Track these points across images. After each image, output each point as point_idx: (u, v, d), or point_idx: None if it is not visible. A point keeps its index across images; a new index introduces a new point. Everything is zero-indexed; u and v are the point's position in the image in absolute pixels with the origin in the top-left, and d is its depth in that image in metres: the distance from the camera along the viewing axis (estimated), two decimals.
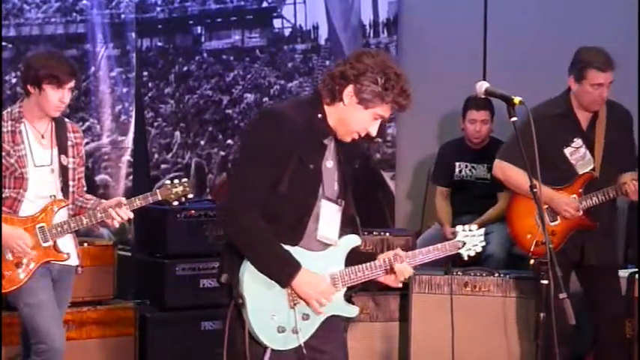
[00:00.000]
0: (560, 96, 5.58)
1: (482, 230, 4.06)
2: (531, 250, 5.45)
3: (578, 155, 5.51)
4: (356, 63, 3.71)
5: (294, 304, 3.77)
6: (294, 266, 3.72)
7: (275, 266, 3.72)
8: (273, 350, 3.74)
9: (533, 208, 5.37)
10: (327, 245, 3.84)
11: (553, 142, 5.42)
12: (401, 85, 3.70)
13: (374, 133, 3.80)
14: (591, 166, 5.51)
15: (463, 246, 4.01)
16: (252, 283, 3.71)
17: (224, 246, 3.80)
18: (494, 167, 5.69)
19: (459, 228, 4.04)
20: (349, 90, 3.71)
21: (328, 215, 3.82)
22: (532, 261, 5.45)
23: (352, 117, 3.74)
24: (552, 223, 5.48)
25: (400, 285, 3.95)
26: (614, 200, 5.62)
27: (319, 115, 3.75)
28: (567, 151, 5.51)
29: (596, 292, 5.60)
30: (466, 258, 4.05)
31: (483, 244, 4.05)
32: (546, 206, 5.45)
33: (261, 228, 3.68)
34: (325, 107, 3.76)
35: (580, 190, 5.49)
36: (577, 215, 5.44)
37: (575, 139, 5.51)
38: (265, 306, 3.72)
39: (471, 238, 4.02)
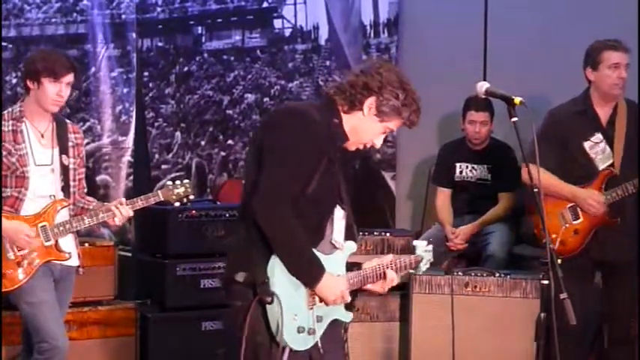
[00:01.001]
0: (580, 95, 5.63)
1: (431, 246, 4.20)
2: (555, 248, 5.49)
3: (598, 149, 5.53)
4: (377, 75, 3.75)
5: (312, 306, 3.80)
6: (321, 269, 3.75)
7: (304, 266, 3.74)
8: (291, 350, 3.75)
9: (558, 208, 5.47)
10: (333, 249, 3.87)
11: (573, 138, 5.50)
12: (417, 103, 3.79)
13: (379, 145, 3.88)
14: (610, 161, 5.52)
15: (421, 260, 4.16)
16: (282, 281, 3.72)
17: (235, 245, 3.79)
18: (522, 172, 5.68)
19: (416, 242, 4.21)
20: (371, 101, 3.76)
21: (338, 219, 3.87)
22: (559, 261, 5.50)
23: (366, 128, 3.80)
24: (575, 222, 5.52)
25: (385, 291, 4.05)
26: (639, 197, 5.61)
27: (335, 120, 3.78)
28: (587, 145, 5.53)
29: (613, 291, 5.62)
30: (421, 272, 4.28)
31: (432, 260, 4.20)
32: (571, 204, 5.50)
33: (296, 226, 3.67)
34: (342, 114, 3.79)
35: (602, 187, 5.51)
36: (601, 210, 5.46)
37: (595, 134, 5.53)
38: (291, 306, 3.74)
39: (426, 253, 4.16)
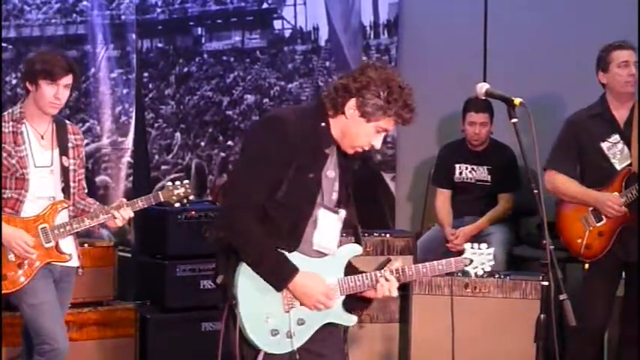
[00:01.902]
0: (596, 100, 5.65)
1: (492, 250, 4.01)
2: (581, 253, 5.52)
3: (616, 150, 5.54)
4: (359, 76, 3.71)
5: (290, 308, 3.76)
6: (290, 270, 3.72)
7: (270, 270, 3.72)
8: (266, 353, 3.73)
9: (581, 212, 5.49)
10: (321, 254, 3.83)
11: (590, 140, 5.54)
12: (404, 99, 3.70)
13: (378, 146, 3.79)
14: (629, 161, 5.52)
15: (470, 263, 3.98)
16: (247, 285, 3.71)
17: (220, 247, 3.80)
18: (544, 179, 5.68)
19: (467, 246, 4.01)
20: (351, 103, 3.71)
21: (326, 224, 3.81)
22: (586, 265, 5.52)
23: (355, 130, 3.74)
24: (598, 224, 5.52)
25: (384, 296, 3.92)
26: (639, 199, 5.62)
27: (322, 125, 3.75)
28: (604, 145, 5.54)
29: (631, 291, 5.63)
30: (473, 276, 4.03)
31: (492, 263, 4.01)
32: (591, 208, 5.52)
33: (257, 231, 3.68)
34: (329, 118, 3.77)
35: (622, 186, 5.51)
36: (621, 212, 5.46)
37: (612, 135, 5.55)
38: (259, 308, 3.72)
39: (479, 257, 3.99)
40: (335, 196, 3.86)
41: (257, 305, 3.72)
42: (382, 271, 3.86)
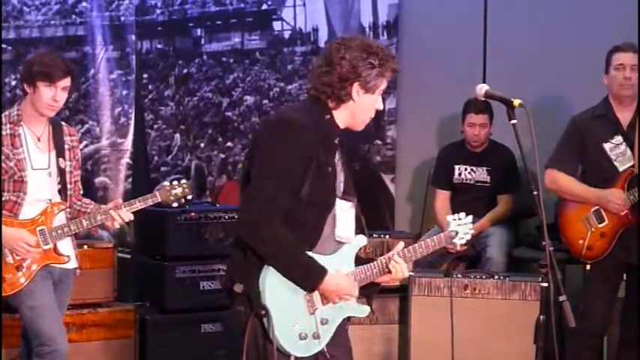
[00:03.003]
0: (600, 101, 5.66)
1: (470, 217, 4.11)
2: (583, 253, 5.52)
3: (619, 151, 5.55)
4: (343, 61, 3.73)
5: (314, 310, 3.78)
6: (321, 271, 3.73)
7: (302, 272, 3.72)
8: (296, 358, 3.75)
9: (583, 213, 5.50)
10: (337, 247, 3.84)
11: (593, 141, 5.55)
12: (387, 53, 3.79)
13: (381, 106, 3.86)
14: (631, 163, 5.53)
15: (456, 235, 4.07)
16: (274, 292, 3.70)
17: (234, 254, 3.78)
18: (545, 178, 5.68)
19: (449, 218, 4.11)
20: (356, 87, 3.75)
21: (343, 214, 3.84)
22: (588, 266, 5.53)
23: (364, 106, 3.79)
24: (600, 225, 5.53)
25: (397, 282, 3.99)
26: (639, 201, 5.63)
27: (327, 117, 3.78)
28: (607, 146, 5.56)
29: (631, 293, 5.63)
30: (459, 247, 4.16)
31: (472, 231, 4.11)
32: (594, 208, 5.53)
33: (285, 236, 3.66)
34: (332, 110, 3.79)
35: (624, 187, 5.51)
36: (625, 207, 5.46)
37: (615, 136, 5.55)
38: (287, 315, 3.72)
39: (462, 227, 4.08)
40: (342, 185, 3.87)
41: (285, 312, 3.72)
42: (387, 257, 3.92)
